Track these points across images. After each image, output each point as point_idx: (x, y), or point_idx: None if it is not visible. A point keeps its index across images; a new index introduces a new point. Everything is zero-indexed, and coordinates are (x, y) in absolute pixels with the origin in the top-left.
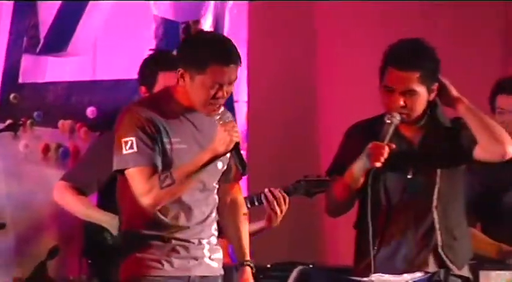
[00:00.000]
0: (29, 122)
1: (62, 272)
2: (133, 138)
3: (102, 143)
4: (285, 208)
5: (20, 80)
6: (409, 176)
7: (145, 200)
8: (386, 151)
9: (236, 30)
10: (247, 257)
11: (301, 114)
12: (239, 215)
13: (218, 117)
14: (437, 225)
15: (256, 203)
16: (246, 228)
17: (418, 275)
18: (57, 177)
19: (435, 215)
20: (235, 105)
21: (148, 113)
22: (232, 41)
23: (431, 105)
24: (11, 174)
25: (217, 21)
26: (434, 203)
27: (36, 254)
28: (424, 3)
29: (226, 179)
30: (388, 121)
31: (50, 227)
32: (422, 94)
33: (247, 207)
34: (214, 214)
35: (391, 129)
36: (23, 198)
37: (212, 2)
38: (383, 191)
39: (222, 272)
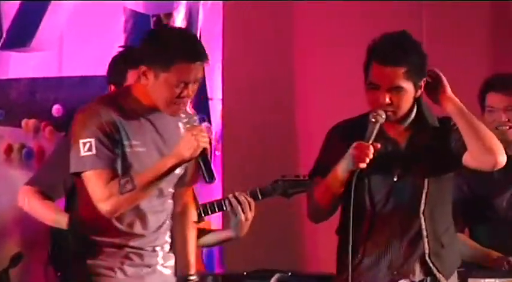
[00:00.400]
0: None
1: (25, 281)
2: (92, 140)
3: (68, 143)
4: (251, 215)
5: None
6: (394, 179)
7: (104, 206)
8: (371, 151)
9: (211, 24)
10: (192, 271)
11: (278, 112)
12: (188, 223)
13: (185, 120)
14: (424, 232)
15: (217, 210)
16: (193, 238)
17: None
18: (20, 180)
19: (422, 221)
20: (210, 103)
21: (108, 113)
22: (198, 36)
23: (417, 102)
24: None
25: (191, 14)
26: (422, 207)
27: None
28: (405, 3)
29: (181, 183)
30: (373, 119)
31: (13, 232)
32: (409, 90)
33: (207, 214)
34: (168, 221)
35: (376, 128)
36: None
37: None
38: (367, 195)
39: (174, 280)
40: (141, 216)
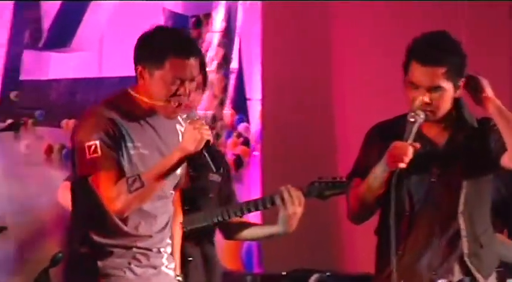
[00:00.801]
0: (30, 121)
1: None
2: (97, 142)
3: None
4: (300, 210)
5: (21, 77)
6: (433, 180)
7: (114, 206)
8: (410, 151)
9: (249, 25)
10: (178, 272)
11: (317, 112)
12: (175, 225)
13: (185, 115)
14: (463, 232)
15: (269, 205)
16: (178, 240)
17: None
18: (60, 180)
19: (461, 221)
20: (248, 103)
21: (110, 116)
22: (237, 37)
23: (456, 103)
24: (12, 177)
25: (230, 15)
26: (461, 208)
27: (39, 260)
28: (443, 3)
29: (175, 186)
30: (412, 119)
31: (54, 232)
32: (449, 90)
33: (259, 210)
34: (170, 222)
35: (414, 128)
36: (24, 202)
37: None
38: (406, 195)
39: None
40: (146, 218)
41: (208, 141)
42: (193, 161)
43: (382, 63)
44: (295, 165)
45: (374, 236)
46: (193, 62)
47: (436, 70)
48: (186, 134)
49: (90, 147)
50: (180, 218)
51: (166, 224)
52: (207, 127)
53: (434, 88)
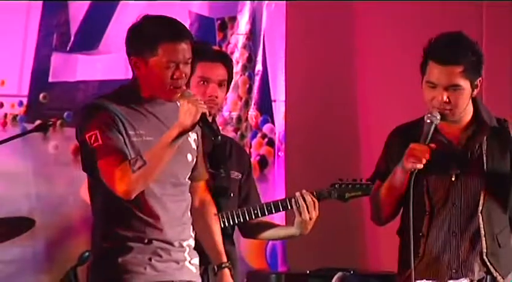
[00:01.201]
0: (59, 122)
1: None
2: (97, 131)
3: None
4: (315, 214)
5: (50, 79)
6: (452, 179)
7: (119, 187)
8: (427, 152)
9: (274, 27)
10: (224, 259)
11: (341, 113)
12: (210, 216)
13: (179, 94)
14: (482, 231)
15: (281, 209)
16: (218, 229)
17: None
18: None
19: (480, 220)
20: (273, 104)
21: (108, 106)
22: (262, 39)
23: (474, 102)
24: (41, 176)
25: (255, 18)
26: (480, 207)
27: (67, 259)
28: (465, 3)
29: (193, 177)
30: (428, 121)
31: (81, 231)
32: (467, 89)
33: (271, 213)
34: (189, 213)
35: (431, 129)
36: (52, 201)
37: (248, 1)
38: (426, 195)
39: (200, 280)
40: (162, 204)
41: (203, 113)
42: (215, 159)
43: (406, 63)
44: (318, 165)
45: (397, 236)
46: (184, 45)
47: (454, 69)
48: (182, 109)
49: (90, 137)
50: (213, 209)
51: (184, 212)
52: (202, 101)
53: (452, 87)
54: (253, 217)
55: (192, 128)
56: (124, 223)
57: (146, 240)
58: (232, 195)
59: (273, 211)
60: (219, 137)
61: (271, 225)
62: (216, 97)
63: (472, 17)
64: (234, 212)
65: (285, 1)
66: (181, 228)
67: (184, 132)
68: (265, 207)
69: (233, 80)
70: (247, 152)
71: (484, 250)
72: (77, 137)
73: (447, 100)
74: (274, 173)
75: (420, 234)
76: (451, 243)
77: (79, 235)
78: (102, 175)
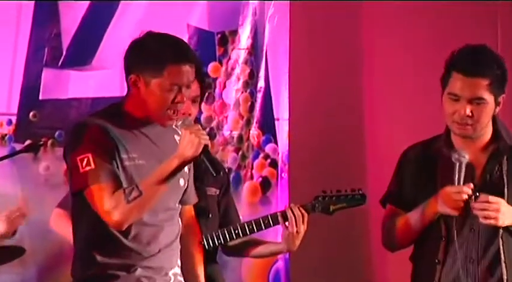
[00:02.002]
0: (50, 142)
1: None
2: (89, 154)
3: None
4: (303, 228)
5: (41, 97)
6: (471, 203)
7: (112, 217)
8: (464, 194)
9: (277, 41)
10: None
11: (348, 133)
12: (194, 245)
13: (180, 122)
14: (502, 257)
15: (272, 224)
16: (200, 260)
17: None
18: None
19: (501, 245)
20: (276, 123)
21: (102, 127)
22: (264, 54)
23: (493, 120)
24: (31, 199)
25: (257, 31)
26: (501, 231)
27: None
28: (480, 3)
29: (182, 201)
30: (457, 162)
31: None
32: (491, 104)
33: (262, 229)
34: (178, 240)
35: (463, 169)
36: (43, 226)
37: (250, 12)
38: (442, 220)
39: None
40: (151, 231)
41: (206, 145)
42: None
43: (419, 81)
44: (324, 187)
45: (408, 260)
46: (189, 67)
47: (480, 81)
48: (183, 140)
49: (82, 160)
50: (198, 236)
51: (175, 238)
52: (204, 131)
53: (476, 100)
54: (235, 238)
55: (192, 160)
56: (109, 251)
57: (132, 269)
58: (210, 215)
59: (255, 230)
60: (221, 173)
61: (254, 242)
62: (190, 114)
63: (486, 17)
64: (214, 234)
65: (288, 15)
66: (169, 256)
67: (184, 165)
68: (246, 226)
69: (205, 97)
70: (250, 173)
71: (505, 277)
72: (65, 157)
73: (470, 114)
74: (278, 195)
75: (436, 261)
76: (468, 271)
77: (71, 262)
78: (92, 202)
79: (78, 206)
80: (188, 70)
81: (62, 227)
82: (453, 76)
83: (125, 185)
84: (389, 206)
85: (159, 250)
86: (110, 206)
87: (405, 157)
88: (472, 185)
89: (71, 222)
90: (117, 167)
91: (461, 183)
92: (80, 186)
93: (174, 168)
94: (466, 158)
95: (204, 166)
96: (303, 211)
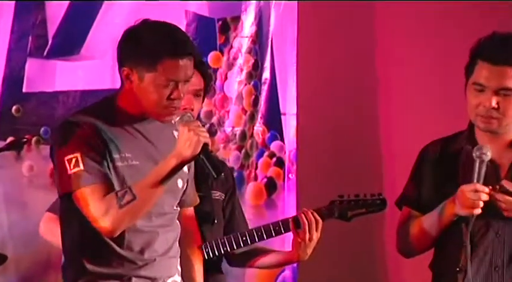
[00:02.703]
0: (34, 139)
1: None
2: (78, 154)
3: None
4: (316, 236)
5: (24, 89)
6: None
7: (103, 223)
8: (484, 193)
9: (284, 29)
10: None
11: (361, 129)
12: (193, 250)
13: (178, 118)
14: None
15: (283, 230)
16: (200, 266)
17: None
18: None
19: None
20: (283, 118)
21: (91, 125)
22: (269, 44)
23: None
24: (13, 202)
25: (261, 18)
26: None
27: None
28: (492, 3)
29: (182, 202)
30: (478, 160)
31: (59, 265)
32: None
33: (263, 239)
34: (177, 244)
35: (483, 168)
36: (27, 232)
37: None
38: (464, 225)
39: None
40: (146, 238)
41: (205, 144)
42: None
43: (435, 69)
44: (335, 189)
45: (427, 268)
46: (187, 61)
47: (507, 70)
48: (181, 137)
49: (70, 161)
50: (197, 240)
51: (172, 245)
52: (204, 129)
53: (503, 90)
54: (242, 245)
55: (191, 159)
56: (101, 259)
57: (125, 278)
58: (216, 221)
59: (265, 237)
60: (222, 174)
61: (261, 251)
62: (192, 109)
63: (505, 15)
64: (220, 241)
65: (296, 1)
66: (168, 263)
67: (182, 164)
68: (254, 233)
69: (209, 90)
70: (253, 173)
71: None
72: (52, 157)
73: (496, 106)
74: (284, 198)
75: (457, 269)
76: (493, 279)
77: (57, 269)
78: (80, 206)
79: (66, 209)
80: (186, 64)
81: (54, 233)
82: (479, 64)
83: (116, 187)
84: (406, 208)
85: (154, 259)
86: (101, 211)
87: (424, 155)
88: (491, 189)
89: (60, 227)
90: (108, 168)
91: (481, 182)
92: (67, 188)
93: (171, 169)
94: (488, 155)
95: (205, 167)
96: (317, 217)
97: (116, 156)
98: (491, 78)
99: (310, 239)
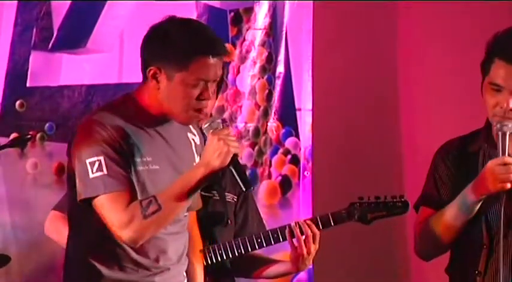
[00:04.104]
0: (38, 135)
1: None
2: (101, 157)
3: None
4: (314, 248)
5: (28, 83)
6: None
7: (125, 234)
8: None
9: (299, 21)
10: None
11: (380, 125)
12: (194, 254)
13: (206, 124)
14: None
15: (274, 241)
16: (201, 271)
17: None
18: None
19: None
20: (298, 114)
21: (115, 124)
22: (284, 36)
23: None
24: (17, 201)
25: (275, 9)
26: None
27: None
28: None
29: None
30: (500, 132)
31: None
32: None
33: (279, 241)
34: (186, 250)
35: (507, 140)
36: (30, 231)
37: None
38: (484, 226)
39: None
40: (161, 245)
41: (235, 154)
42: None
43: (457, 67)
44: (352, 188)
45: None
46: (218, 60)
47: None
48: (210, 147)
49: (93, 164)
50: (199, 245)
51: (183, 252)
52: (234, 138)
53: None
54: (257, 247)
55: (220, 170)
56: (115, 264)
57: None
58: (229, 222)
59: (280, 239)
60: (252, 188)
61: (265, 262)
62: (206, 106)
63: None
64: (234, 242)
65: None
66: (179, 270)
67: (210, 175)
68: (270, 234)
69: (222, 86)
70: (267, 171)
71: None
72: (71, 157)
73: None
74: (299, 197)
75: (476, 272)
76: None
77: (62, 270)
78: (101, 213)
79: (82, 213)
80: (217, 63)
81: (60, 232)
82: (495, 63)
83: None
84: (424, 208)
85: (169, 268)
86: (124, 221)
87: (441, 154)
88: None
89: (69, 228)
90: (131, 172)
91: (507, 154)
92: (88, 193)
93: (198, 180)
94: (510, 126)
95: (233, 178)
96: (314, 229)
97: (137, 160)
98: (508, 78)
99: (308, 253)
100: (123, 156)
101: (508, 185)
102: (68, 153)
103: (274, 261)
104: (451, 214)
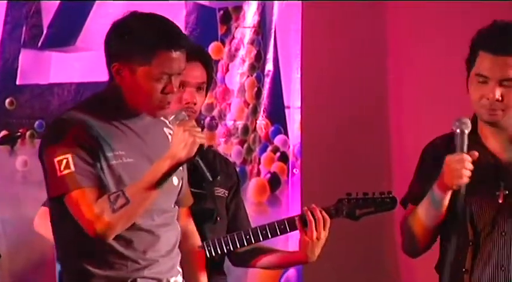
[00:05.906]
0: (28, 133)
1: None
2: (69, 156)
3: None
4: (324, 235)
5: (18, 81)
6: (500, 201)
7: (95, 229)
8: (467, 161)
9: (288, 19)
10: None
11: (368, 123)
12: (193, 251)
13: (172, 117)
14: None
15: (279, 232)
16: (202, 267)
17: None
18: None
19: None
20: (287, 111)
21: (83, 122)
22: (273, 35)
23: None
24: (6, 198)
25: (264, 8)
26: None
27: None
28: (506, 3)
29: (177, 202)
30: (458, 130)
31: (54, 262)
32: None
33: (268, 238)
34: (177, 244)
35: (465, 139)
36: (20, 228)
37: None
38: (469, 222)
39: None
40: (149, 237)
41: (201, 145)
42: (195, 174)
43: (446, 64)
44: (341, 185)
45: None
46: (180, 54)
47: (510, 60)
48: (176, 138)
49: (60, 162)
50: (197, 240)
51: (174, 245)
52: (199, 129)
53: (507, 81)
54: (246, 244)
55: (186, 161)
56: (102, 261)
57: (129, 280)
58: (219, 219)
59: (269, 235)
60: (218, 177)
61: (267, 251)
62: (194, 104)
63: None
64: (222, 239)
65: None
66: (171, 263)
67: (177, 166)
68: (259, 231)
69: (212, 82)
70: (256, 169)
71: None
72: (41, 158)
73: (500, 98)
74: (288, 194)
75: (463, 269)
76: (499, 279)
77: (53, 269)
78: (72, 210)
79: (59, 212)
80: (180, 57)
81: (49, 228)
82: (480, 55)
83: (112, 186)
84: (410, 206)
85: (158, 260)
86: (93, 216)
87: (427, 152)
88: (476, 153)
89: (52, 229)
90: (102, 168)
91: (464, 150)
92: (58, 191)
93: (165, 171)
94: (469, 125)
95: (200, 170)
96: (325, 214)
97: (109, 154)
98: (493, 69)
99: (318, 238)
100: (90, 153)
101: (465, 180)
102: (39, 156)
103: (279, 251)
104: (423, 209)
